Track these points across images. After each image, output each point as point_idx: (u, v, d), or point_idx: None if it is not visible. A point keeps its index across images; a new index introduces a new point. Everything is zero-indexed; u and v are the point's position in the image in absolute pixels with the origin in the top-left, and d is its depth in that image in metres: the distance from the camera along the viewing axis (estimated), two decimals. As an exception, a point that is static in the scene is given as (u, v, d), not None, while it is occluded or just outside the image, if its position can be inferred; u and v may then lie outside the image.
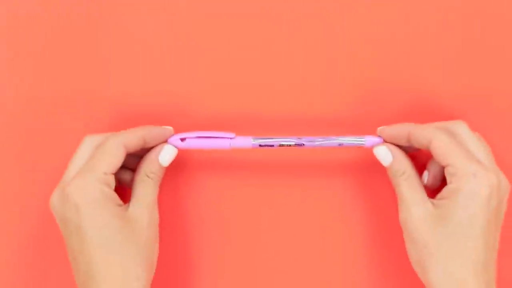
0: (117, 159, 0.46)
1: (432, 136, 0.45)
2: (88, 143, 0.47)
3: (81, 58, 0.52)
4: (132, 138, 0.46)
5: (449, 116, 0.51)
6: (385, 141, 0.48)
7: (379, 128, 0.48)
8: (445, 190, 0.45)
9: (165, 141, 0.48)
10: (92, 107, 0.52)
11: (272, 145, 0.49)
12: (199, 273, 0.51)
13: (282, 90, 0.52)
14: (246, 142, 0.49)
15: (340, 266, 0.52)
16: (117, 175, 0.48)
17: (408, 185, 0.47)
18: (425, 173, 0.49)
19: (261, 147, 0.49)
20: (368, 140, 0.48)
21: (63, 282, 0.51)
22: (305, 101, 0.52)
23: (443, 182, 0.47)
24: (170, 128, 0.49)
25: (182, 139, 0.48)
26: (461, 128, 0.47)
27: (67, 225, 0.44)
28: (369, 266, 0.52)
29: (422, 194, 0.46)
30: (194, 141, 0.48)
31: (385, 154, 0.48)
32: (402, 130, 0.47)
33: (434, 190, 0.48)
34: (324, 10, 0.51)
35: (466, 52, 0.51)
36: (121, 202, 0.46)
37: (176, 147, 0.48)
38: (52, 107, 0.52)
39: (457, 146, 0.45)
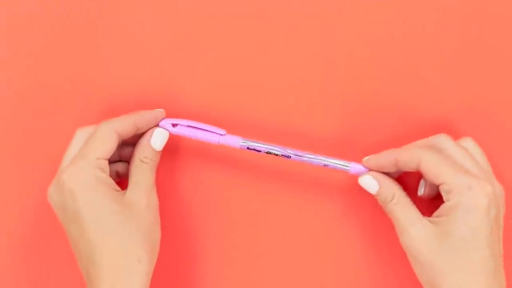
0: (110, 144, 0.45)
1: (418, 157, 0.45)
2: (80, 136, 0.47)
3: (79, 57, 0.52)
4: (123, 124, 0.47)
5: (446, 122, 0.50)
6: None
7: (364, 159, 0.48)
8: (442, 208, 0.44)
9: (157, 126, 0.48)
10: (90, 105, 0.52)
11: (260, 151, 0.48)
12: (198, 261, 0.51)
13: (280, 95, 0.52)
14: (235, 141, 0.48)
15: (331, 257, 0.51)
16: (115, 168, 0.49)
17: (401, 208, 0.45)
18: (422, 183, 0.48)
19: (249, 150, 0.48)
20: (353, 167, 0.48)
21: (62, 278, 0.51)
22: (302, 111, 0.52)
23: (439, 192, 0.45)
24: (162, 110, 0.48)
25: (174, 125, 0.48)
26: (445, 142, 0.46)
27: (65, 213, 0.44)
28: (358, 258, 0.51)
29: (416, 213, 0.45)
30: (185, 129, 0.48)
31: (370, 183, 0.47)
32: (388, 158, 0.46)
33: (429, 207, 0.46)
34: (319, 15, 0.52)
35: (462, 58, 0.51)
36: (118, 188, 0.46)
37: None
38: (50, 105, 0.52)
39: (445, 162, 0.44)
